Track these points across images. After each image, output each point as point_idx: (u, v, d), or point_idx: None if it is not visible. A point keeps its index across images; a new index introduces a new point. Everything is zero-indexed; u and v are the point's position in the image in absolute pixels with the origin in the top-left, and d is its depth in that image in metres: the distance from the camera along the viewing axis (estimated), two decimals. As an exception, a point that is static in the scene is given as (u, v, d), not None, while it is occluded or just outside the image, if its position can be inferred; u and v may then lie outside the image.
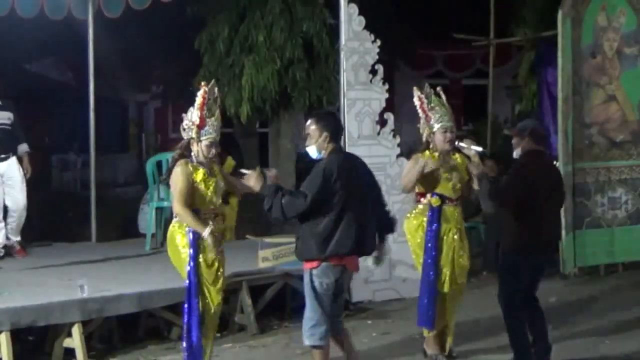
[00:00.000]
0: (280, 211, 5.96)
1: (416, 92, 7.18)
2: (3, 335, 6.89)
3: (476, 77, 17.55)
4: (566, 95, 9.88)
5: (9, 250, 9.56)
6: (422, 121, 7.17)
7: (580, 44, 10.08)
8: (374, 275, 9.28)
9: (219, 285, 6.35)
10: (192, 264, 6.19)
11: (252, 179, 6.20)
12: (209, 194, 6.24)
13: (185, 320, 6.24)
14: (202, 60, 12.14)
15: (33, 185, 9.94)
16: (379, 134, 9.42)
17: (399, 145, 9.60)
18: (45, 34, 12.53)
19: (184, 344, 6.26)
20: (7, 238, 9.58)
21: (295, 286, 8.83)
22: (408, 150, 12.38)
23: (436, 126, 7.04)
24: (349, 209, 6.03)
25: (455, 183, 7.04)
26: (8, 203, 9.57)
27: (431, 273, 6.97)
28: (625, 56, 10.46)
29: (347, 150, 9.10)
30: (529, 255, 6.64)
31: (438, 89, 7.24)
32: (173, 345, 7.76)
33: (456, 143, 7.03)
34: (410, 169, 7.13)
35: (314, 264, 6.07)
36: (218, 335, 8.00)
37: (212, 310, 6.35)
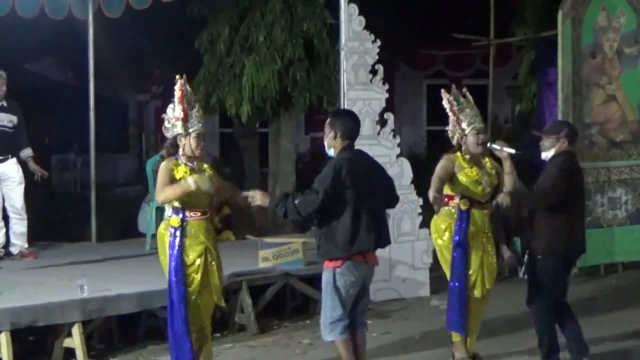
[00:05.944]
0: (296, 212, 6.00)
1: (444, 95, 7.01)
2: (3, 335, 6.89)
3: (476, 77, 17.51)
4: (566, 95, 9.89)
5: (20, 256, 9.55)
6: (451, 124, 7.01)
7: (580, 44, 10.10)
8: (374, 275, 9.27)
9: (201, 279, 6.21)
10: (173, 263, 6.13)
11: (258, 197, 6.25)
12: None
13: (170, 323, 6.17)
14: (202, 60, 12.14)
15: (33, 186, 9.93)
16: (379, 134, 9.42)
17: (399, 145, 9.59)
18: (45, 34, 12.52)
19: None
20: (13, 244, 9.58)
21: (295, 286, 8.83)
22: (408, 150, 12.35)
23: (468, 129, 6.89)
24: (365, 204, 6.07)
25: (485, 187, 6.90)
26: (7, 205, 9.56)
27: (461, 276, 6.85)
28: (625, 56, 10.49)
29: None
30: (567, 256, 6.68)
31: (464, 89, 7.11)
32: (173, 345, 7.75)
33: (488, 145, 6.89)
34: (440, 170, 6.88)
35: (338, 262, 6.10)
36: (218, 335, 8.01)
37: (199, 307, 6.24)
